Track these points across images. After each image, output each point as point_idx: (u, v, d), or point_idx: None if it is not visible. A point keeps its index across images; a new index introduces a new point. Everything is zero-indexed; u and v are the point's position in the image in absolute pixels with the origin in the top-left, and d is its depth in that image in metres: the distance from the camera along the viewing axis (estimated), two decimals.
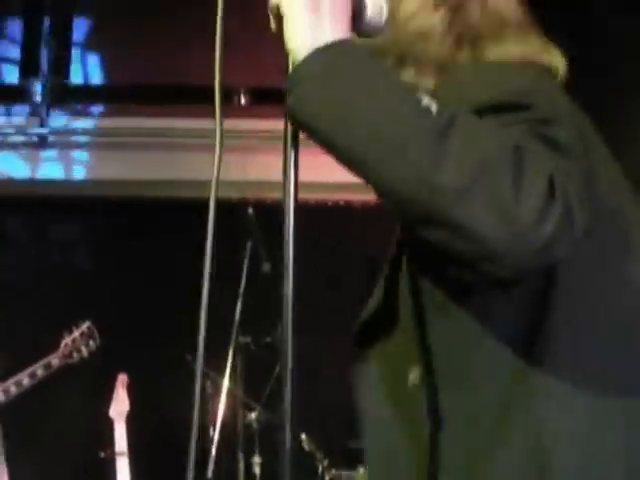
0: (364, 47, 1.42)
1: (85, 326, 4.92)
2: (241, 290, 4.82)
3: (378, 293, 1.65)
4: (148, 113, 6.23)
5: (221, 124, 1.47)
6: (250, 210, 4.77)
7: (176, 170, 6.12)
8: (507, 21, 1.59)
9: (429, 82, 1.55)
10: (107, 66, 6.43)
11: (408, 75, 1.57)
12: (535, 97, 1.40)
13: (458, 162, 1.24)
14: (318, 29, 1.40)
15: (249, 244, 4.86)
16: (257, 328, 4.84)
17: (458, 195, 1.24)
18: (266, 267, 4.86)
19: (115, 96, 6.43)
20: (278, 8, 1.43)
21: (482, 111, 1.36)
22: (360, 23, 1.51)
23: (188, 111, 6.01)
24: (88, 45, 6.39)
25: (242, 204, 4.90)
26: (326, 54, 1.38)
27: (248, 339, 4.97)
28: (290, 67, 1.42)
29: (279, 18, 1.44)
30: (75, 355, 4.82)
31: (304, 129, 1.38)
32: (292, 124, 1.41)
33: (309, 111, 1.37)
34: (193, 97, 5.99)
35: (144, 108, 6.25)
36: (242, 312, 4.79)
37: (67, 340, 4.84)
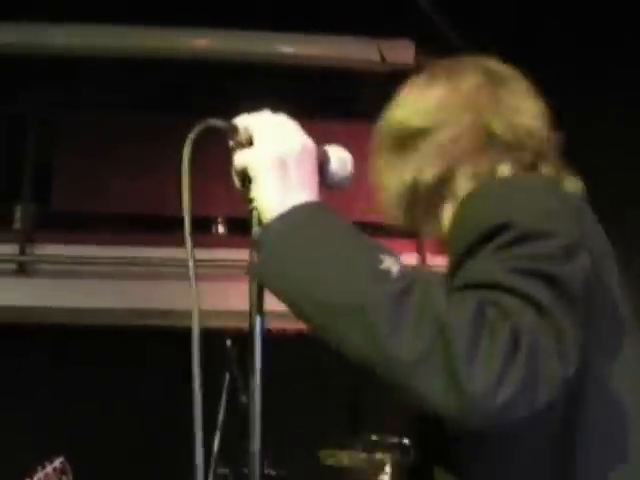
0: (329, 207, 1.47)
1: (58, 461, 4.82)
2: (220, 421, 4.78)
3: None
4: (126, 242, 6.25)
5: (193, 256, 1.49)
6: (228, 341, 4.76)
7: (152, 299, 6.11)
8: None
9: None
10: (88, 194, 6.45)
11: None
12: (555, 223, 1.43)
13: (413, 333, 1.28)
14: (286, 191, 1.45)
15: (227, 375, 4.84)
16: (236, 459, 4.78)
17: (411, 367, 1.28)
18: (244, 398, 4.82)
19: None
20: (244, 170, 1.47)
21: (495, 234, 1.40)
22: (324, 176, 1.54)
23: (167, 240, 6.04)
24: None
25: (221, 334, 4.88)
26: (292, 217, 1.43)
27: (226, 470, 4.92)
28: (258, 225, 1.48)
29: (244, 177, 1.48)
30: None
31: (271, 290, 1.43)
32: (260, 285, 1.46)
33: (275, 274, 1.42)
34: (171, 226, 6.04)
35: (120, 237, 6.29)
36: (220, 443, 4.74)
37: (39, 476, 4.73)
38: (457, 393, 1.26)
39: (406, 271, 1.36)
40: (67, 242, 6.36)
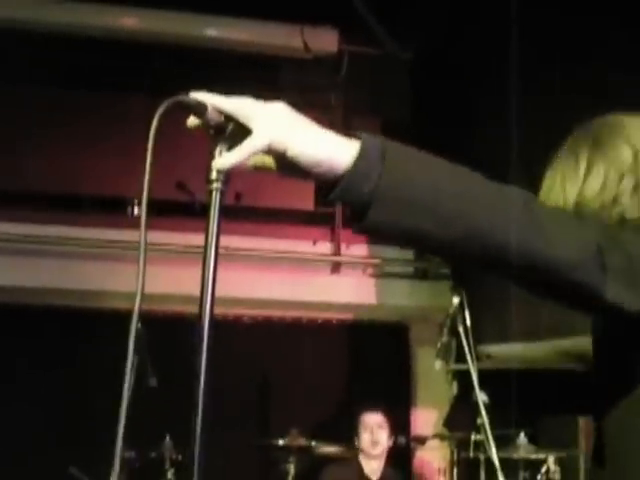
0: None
1: None
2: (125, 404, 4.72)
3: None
4: (42, 221, 6.16)
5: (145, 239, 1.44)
6: (139, 324, 4.67)
7: (66, 279, 6.03)
8: None
9: None
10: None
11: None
12: None
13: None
14: (321, 133, 1.43)
15: (135, 358, 4.78)
16: (141, 443, 4.75)
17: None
18: (152, 381, 4.78)
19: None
20: (281, 152, 1.43)
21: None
22: None
23: (84, 220, 5.95)
24: None
25: (131, 316, 4.80)
26: (374, 142, 1.41)
27: (132, 453, 4.88)
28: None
29: (282, 158, 1.44)
30: None
31: (399, 205, 1.41)
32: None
33: (402, 186, 1.41)
34: (88, 206, 5.97)
35: (36, 215, 6.19)
36: (126, 426, 4.69)
37: None
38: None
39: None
40: None
